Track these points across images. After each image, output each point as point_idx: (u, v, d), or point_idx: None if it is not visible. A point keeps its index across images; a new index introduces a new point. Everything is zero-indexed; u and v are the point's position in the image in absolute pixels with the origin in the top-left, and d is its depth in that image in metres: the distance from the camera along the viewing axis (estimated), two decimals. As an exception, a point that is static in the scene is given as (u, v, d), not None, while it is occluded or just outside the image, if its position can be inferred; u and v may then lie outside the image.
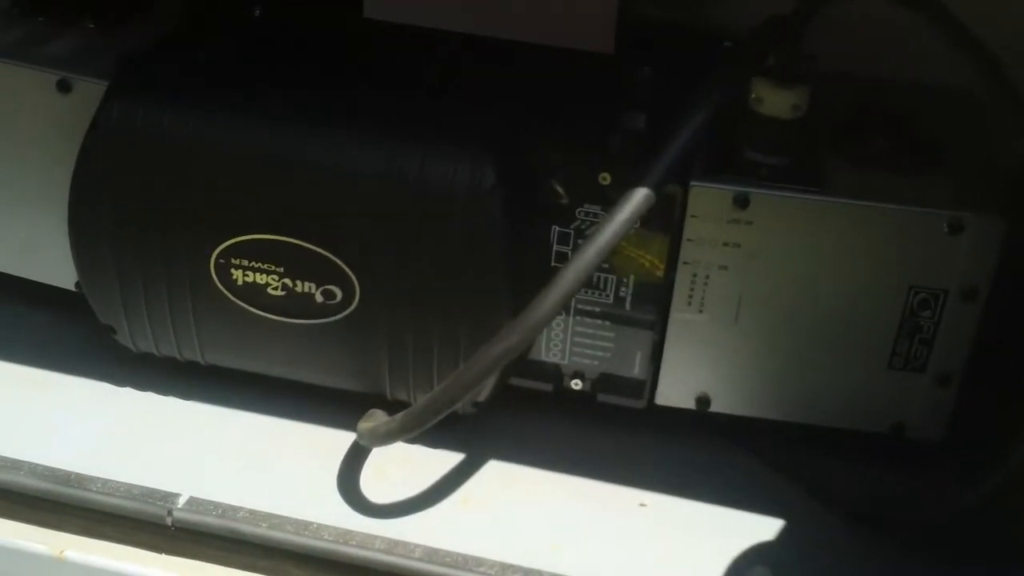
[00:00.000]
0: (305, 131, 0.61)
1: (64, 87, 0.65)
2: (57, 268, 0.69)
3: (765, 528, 0.63)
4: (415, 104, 0.63)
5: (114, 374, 0.69)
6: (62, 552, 0.61)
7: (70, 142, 0.63)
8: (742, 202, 0.60)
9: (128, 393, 0.69)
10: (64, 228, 0.64)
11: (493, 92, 0.65)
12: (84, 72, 0.65)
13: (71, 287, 0.69)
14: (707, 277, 0.62)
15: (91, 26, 0.70)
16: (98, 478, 0.62)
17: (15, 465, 0.62)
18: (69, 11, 0.70)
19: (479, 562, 0.60)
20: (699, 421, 0.66)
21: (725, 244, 0.61)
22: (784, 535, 0.62)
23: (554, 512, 0.63)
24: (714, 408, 0.65)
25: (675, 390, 0.65)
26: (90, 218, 0.64)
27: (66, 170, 0.63)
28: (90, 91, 0.64)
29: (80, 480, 0.62)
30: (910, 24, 0.62)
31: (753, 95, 0.62)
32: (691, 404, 0.65)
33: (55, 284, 0.70)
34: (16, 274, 0.71)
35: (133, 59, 0.64)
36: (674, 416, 0.66)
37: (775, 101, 0.61)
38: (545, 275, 0.57)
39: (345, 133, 0.61)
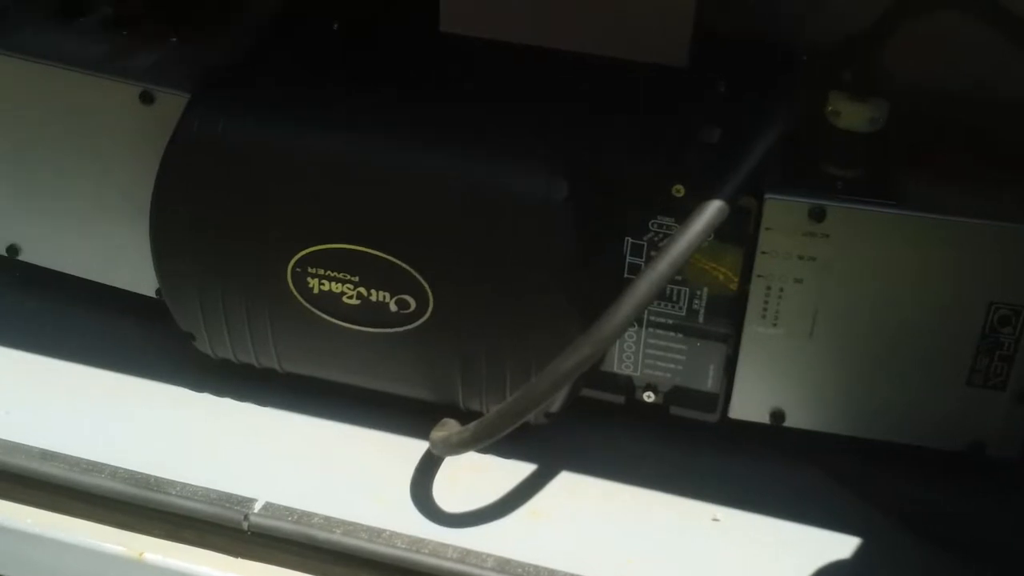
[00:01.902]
0: (381, 142, 0.62)
1: (147, 99, 0.67)
2: (139, 275, 0.70)
3: (839, 546, 0.62)
4: (491, 116, 0.64)
5: (193, 380, 0.70)
6: (141, 554, 0.62)
7: (152, 153, 0.64)
8: (818, 215, 0.60)
9: (206, 399, 0.70)
10: (146, 236, 0.66)
11: (568, 104, 0.65)
12: (166, 84, 0.66)
13: (152, 294, 0.70)
14: (781, 290, 0.62)
15: (173, 40, 0.71)
16: (177, 482, 0.63)
17: (97, 468, 0.64)
18: (153, 25, 0.72)
19: (552, 574, 0.60)
20: (773, 436, 0.66)
21: (800, 257, 0.61)
22: (859, 554, 0.62)
23: (626, 525, 0.63)
24: (789, 423, 0.65)
25: (749, 404, 0.65)
26: (171, 227, 0.65)
27: (148, 180, 0.64)
28: (172, 103, 0.65)
29: (159, 484, 0.63)
30: (990, 38, 0.61)
31: (830, 108, 0.61)
32: (765, 418, 0.65)
33: (137, 291, 0.72)
34: (99, 281, 0.73)
35: (214, 72, 0.66)
36: (748, 430, 0.66)
37: (852, 114, 0.61)
38: (618, 287, 0.58)
39: (421, 144, 0.62)
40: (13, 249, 0.73)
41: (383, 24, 0.73)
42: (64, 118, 0.69)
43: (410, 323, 0.63)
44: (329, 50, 0.70)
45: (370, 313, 0.64)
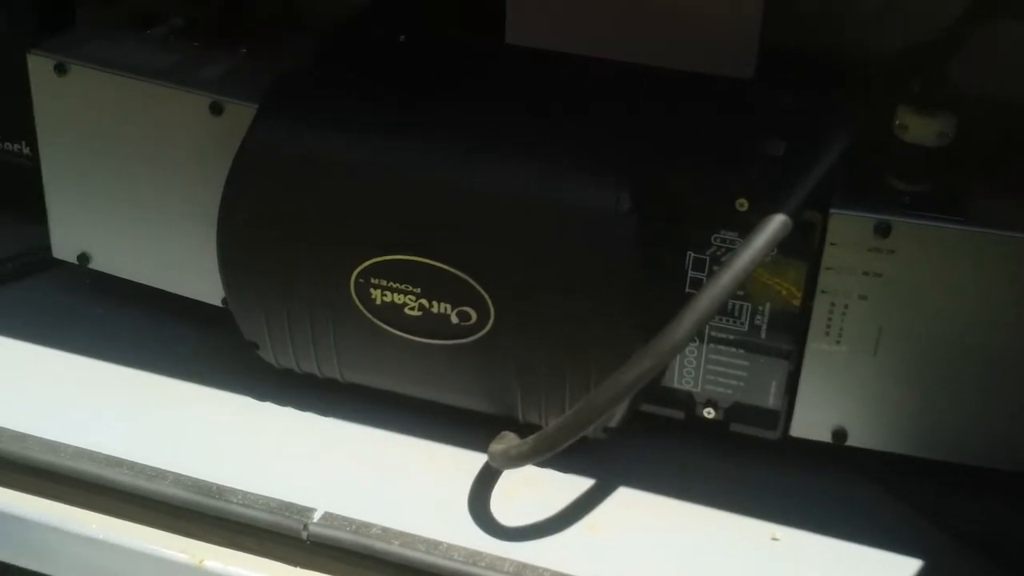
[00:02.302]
0: (445, 153, 0.62)
1: (216, 109, 0.67)
2: (205, 284, 0.71)
3: (901, 568, 0.61)
4: (554, 128, 0.64)
5: (256, 389, 0.71)
6: (202, 561, 0.63)
7: (221, 162, 0.65)
8: (884, 230, 0.59)
9: (269, 408, 0.70)
10: (213, 246, 0.67)
11: (632, 116, 0.65)
12: (235, 95, 0.67)
13: (218, 303, 0.71)
14: (846, 307, 0.61)
15: (243, 51, 0.72)
16: (238, 490, 0.64)
17: (160, 475, 0.64)
18: (223, 36, 0.73)
19: (608, 588, 0.59)
20: (835, 454, 0.65)
21: (865, 273, 0.60)
22: (920, 575, 0.61)
23: (684, 542, 0.63)
24: (851, 442, 0.64)
25: (811, 422, 0.64)
26: (237, 236, 0.66)
27: (216, 190, 0.65)
28: (241, 113, 0.66)
29: (221, 492, 0.64)
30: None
31: (897, 122, 0.60)
32: (827, 437, 0.64)
33: (203, 300, 0.72)
34: (167, 289, 0.74)
35: (282, 83, 0.66)
36: (809, 448, 0.65)
37: (920, 128, 0.60)
38: (679, 301, 0.57)
39: (484, 156, 0.62)
40: (84, 257, 0.75)
41: (449, 36, 0.73)
42: (135, 128, 0.70)
43: (471, 335, 0.64)
44: (395, 62, 0.71)
45: (431, 325, 0.64)
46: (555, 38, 0.70)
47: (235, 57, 0.72)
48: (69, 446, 0.66)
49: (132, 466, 0.65)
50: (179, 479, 0.64)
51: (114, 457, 0.65)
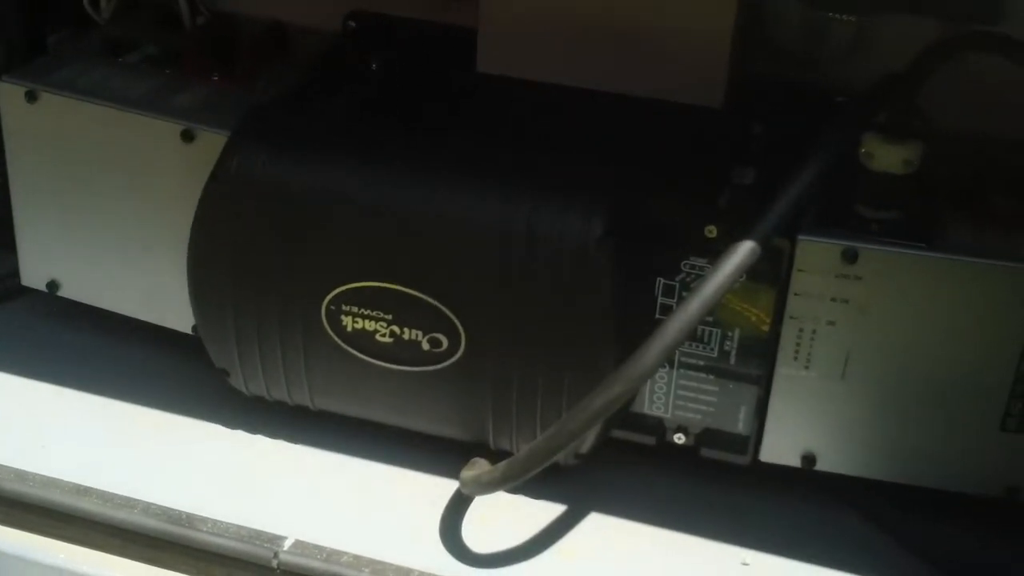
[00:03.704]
0: (415, 181, 0.62)
1: (188, 137, 0.68)
2: (175, 312, 0.71)
3: (871, 591, 0.61)
4: (526, 155, 0.64)
5: (226, 416, 0.71)
6: (171, 589, 0.62)
7: (192, 190, 0.65)
8: (851, 257, 0.60)
9: (239, 435, 0.70)
10: (183, 273, 0.66)
11: (603, 144, 0.66)
12: (207, 123, 0.67)
13: (188, 331, 0.71)
14: (814, 332, 0.61)
15: (215, 79, 0.72)
16: (208, 518, 0.63)
17: (129, 503, 0.64)
18: (195, 64, 0.73)
19: (579, 614, 0.59)
20: (804, 479, 0.65)
21: (833, 299, 0.61)
22: (890, 598, 0.61)
23: (656, 567, 0.63)
24: (820, 466, 0.64)
25: (780, 447, 0.64)
26: (208, 264, 0.65)
27: (187, 217, 0.65)
28: (212, 141, 0.66)
29: (191, 520, 0.63)
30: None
31: (864, 150, 0.61)
32: (796, 462, 0.64)
33: (173, 327, 0.72)
34: (137, 317, 0.74)
35: (254, 111, 0.67)
36: (779, 473, 0.65)
37: (886, 156, 0.61)
38: (650, 328, 0.57)
39: (455, 183, 0.62)
40: (53, 284, 0.74)
41: (421, 64, 0.74)
42: (105, 155, 0.70)
43: (442, 362, 0.64)
44: (367, 90, 0.71)
45: (403, 351, 0.64)
46: (526, 67, 0.70)
47: (208, 85, 0.72)
48: (37, 475, 0.65)
49: (101, 495, 0.64)
50: (148, 508, 0.64)
51: (83, 486, 0.65)
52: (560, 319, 0.61)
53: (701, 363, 0.64)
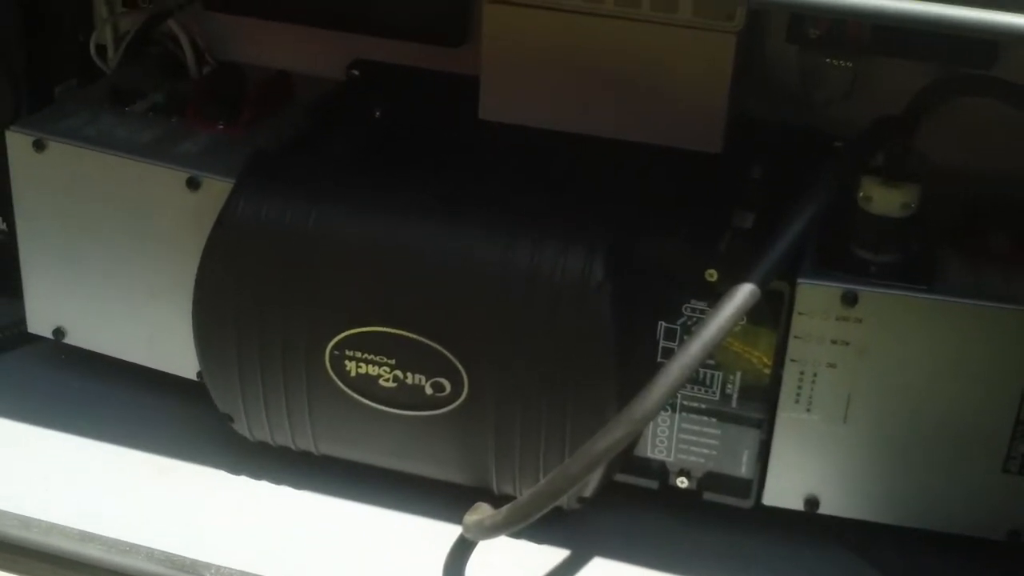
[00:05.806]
0: (418, 226, 0.63)
1: (193, 184, 0.68)
2: (180, 358, 0.71)
3: (876, 635, 0.61)
4: (527, 201, 0.65)
5: (230, 462, 0.71)
6: (174, 636, 0.62)
7: (197, 237, 0.66)
8: (851, 299, 0.60)
9: (243, 481, 0.70)
10: (188, 320, 0.67)
11: (604, 189, 0.66)
12: (212, 171, 0.68)
13: (193, 376, 0.71)
14: (815, 375, 0.62)
15: (220, 127, 0.73)
16: (212, 564, 0.63)
17: (133, 550, 0.64)
18: (201, 113, 0.74)
19: (582, 659, 0.59)
20: (808, 522, 0.65)
21: (833, 342, 0.61)
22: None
23: (659, 611, 0.63)
24: (823, 510, 0.64)
25: (783, 490, 0.64)
26: (213, 310, 0.66)
27: (192, 264, 0.66)
28: (218, 188, 0.67)
29: (195, 566, 0.63)
30: None
31: (862, 194, 0.62)
32: (799, 505, 0.64)
33: (178, 374, 0.73)
34: (142, 363, 0.74)
35: (258, 158, 0.67)
36: (782, 517, 0.65)
37: (884, 199, 0.61)
38: (652, 371, 0.58)
39: (457, 229, 0.63)
40: (59, 332, 0.75)
41: (424, 112, 0.75)
42: (112, 203, 0.70)
43: (445, 406, 0.64)
44: (370, 137, 0.72)
45: (406, 396, 0.64)
46: (527, 114, 0.71)
47: (213, 133, 0.73)
48: (41, 521, 0.65)
49: (105, 541, 0.64)
50: (152, 554, 0.64)
51: (87, 532, 0.65)
52: (561, 363, 0.61)
53: (703, 406, 0.64)
